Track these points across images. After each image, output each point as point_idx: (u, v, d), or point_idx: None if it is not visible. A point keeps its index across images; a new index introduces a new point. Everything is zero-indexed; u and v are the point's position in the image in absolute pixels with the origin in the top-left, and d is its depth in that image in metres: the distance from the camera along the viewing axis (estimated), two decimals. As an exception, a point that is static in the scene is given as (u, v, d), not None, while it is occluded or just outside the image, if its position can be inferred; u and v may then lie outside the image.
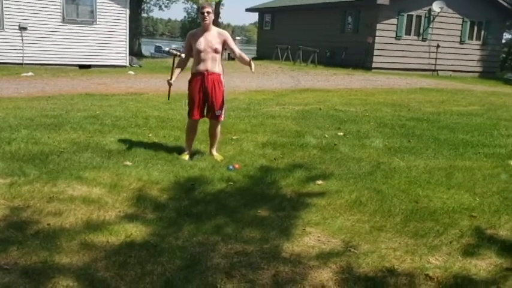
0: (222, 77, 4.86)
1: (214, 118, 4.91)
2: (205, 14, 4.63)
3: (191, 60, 4.91)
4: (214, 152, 5.02)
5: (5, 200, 3.52)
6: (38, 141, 5.27)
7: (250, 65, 4.64)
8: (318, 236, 3.15)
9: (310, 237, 3.12)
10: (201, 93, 4.80)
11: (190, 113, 4.92)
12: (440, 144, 6.05)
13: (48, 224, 3.12)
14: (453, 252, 2.99)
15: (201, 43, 4.68)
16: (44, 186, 3.80)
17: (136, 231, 3.09)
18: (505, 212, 3.69)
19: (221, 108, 4.89)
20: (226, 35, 4.79)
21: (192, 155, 4.96)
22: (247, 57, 4.77)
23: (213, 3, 31.07)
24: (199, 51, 4.70)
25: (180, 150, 5.06)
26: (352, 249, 2.96)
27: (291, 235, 3.14)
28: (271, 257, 2.82)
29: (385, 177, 4.47)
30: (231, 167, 4.55)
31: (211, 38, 4.70)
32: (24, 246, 2.80)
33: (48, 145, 5.12)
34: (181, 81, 5.16)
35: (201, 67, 4.75)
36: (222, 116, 4.97)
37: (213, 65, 4.75)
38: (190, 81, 4.87)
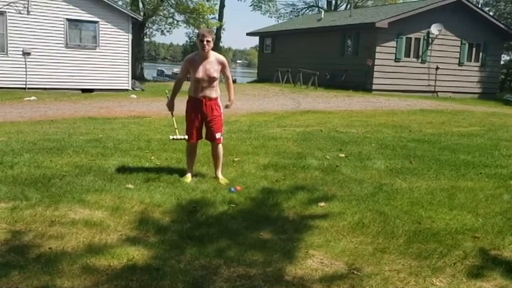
0: (219, 100, 4.92)
1: (215, 140, 4.95)
2: (205, 42, 4.61)
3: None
4: (219, 175, 5.01)
5: (7, 224, 3.51)
6: (40, 165, 5.28)
7: (229, 99, 4.97)
8: (321, 259, 3.13)
9: (313, 260, 3.10)
10: (199, 117, 4.87)
11: (188, 137, 4.97)
12: (441, 165, 6.05)
13: (50, 248, 3.11)
14: (457, 274, 2.97)
15: (199, 72, 4.70)
16: (46, 210, 3.80)
17: (138, 254, 3.07)
18: (508, 233, 3.67)
19: (220, 131, 4.94)
20: (225, 62, 4.81)
21: (194, 177, 4.97)
22: (232, 93, 4.99)
23: (214, 27, 31.56)
24: (197, 80, 4.74)
25: (182, 173, 5.07)
26: (356, 272, 2.94)
27: (293, 258, 3.12)
28: (274, 280, 2.80)
29: (388, 199, 4.46)
30: (232, 189, 4.55)
31: (210, 66, 4.71)
32: (26, 270, 2.78)
33: (51, 169, 5.14)
34: (182, 103, 5.19)
35: (199, 94, 4.80)
36: (222, 138, 5.00)
37: (211, 91, 4.81)
38: (188, 102, 4.93)
